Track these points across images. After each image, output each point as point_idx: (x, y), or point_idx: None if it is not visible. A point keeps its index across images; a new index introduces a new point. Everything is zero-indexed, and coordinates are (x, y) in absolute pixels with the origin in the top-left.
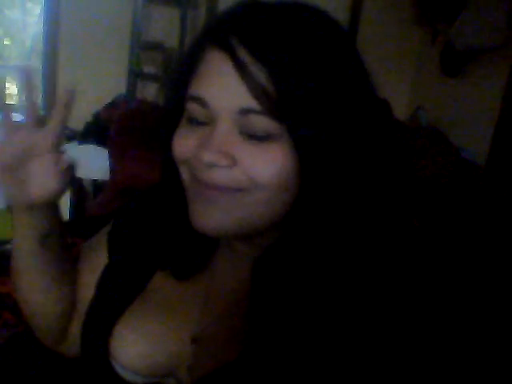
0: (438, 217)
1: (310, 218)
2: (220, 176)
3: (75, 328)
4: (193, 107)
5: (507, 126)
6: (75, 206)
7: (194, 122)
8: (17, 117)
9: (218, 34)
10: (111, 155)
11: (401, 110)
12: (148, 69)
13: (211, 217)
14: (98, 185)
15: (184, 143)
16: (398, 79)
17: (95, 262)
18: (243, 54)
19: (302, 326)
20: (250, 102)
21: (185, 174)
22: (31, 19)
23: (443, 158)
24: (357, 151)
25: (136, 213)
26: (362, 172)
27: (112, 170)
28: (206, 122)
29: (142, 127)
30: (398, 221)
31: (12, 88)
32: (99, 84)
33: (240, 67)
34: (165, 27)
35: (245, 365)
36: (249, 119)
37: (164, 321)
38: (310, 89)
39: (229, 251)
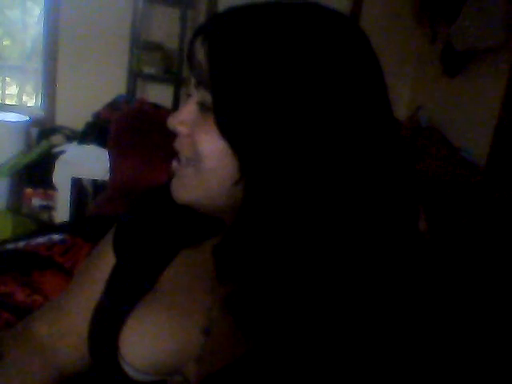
0: (438, 217)
1: (252, 204)
2: (179, 143)
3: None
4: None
5: (507, 126)
6: (75, 206)
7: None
8: (16, 117)
9: (201, 27)
10: (111, 155)
11: (401, 110)
12: (148, 69)
13: (176, 188)
14: (98, 185)
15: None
16: (398, 79)
17: (98, 270)
18: (209, 39)
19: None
20: (202, 76)
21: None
22: (31, 19)
23: (443, 157)
24: (299, 146)
25: (142, 211)
26: (306, 165)
27: (112, 170)
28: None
29: (142, 127)
30: (396, 217)
31: (12, 88)
32: (99, 84)
33: (207, 49)
34: (165, 27)
35: (253, 361)
36: (199, 90)
37: (172, 318)
38: (247, 75)
39: None
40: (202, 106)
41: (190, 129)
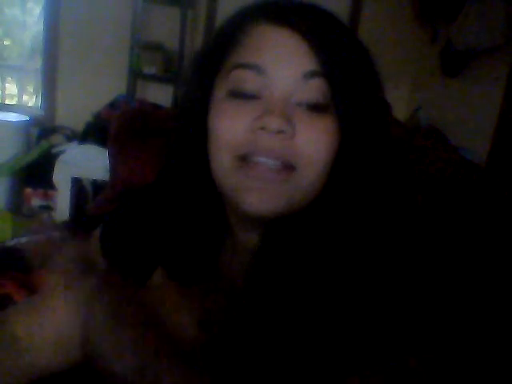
0: (438, 216)
1: (337, 197)
2: (282, 146)
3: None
4: (244, 75)
5: (507, 126)
6: (75, 205)
7: (240, 94)
8: (16, 117)
9: (273, 11)
10: (111, 155)
11: (401, 110)
12: (148, 69)
13: (265, 197)
14: (98, 185)
15: (234, 121)
16: (398, 79)
17: None
18: (303, 27)
19: (303, 305)
20: (314, 65)
21: (227, 161)
22: (31, 19)
23: (443, 157)
24: (380, 137)
25: (130, 213)
26: (381, 158)
27: (112, 170)
28: (256, 95)
29: (142, 127)
30: (403, 207)
31: (12, 88)
32: (99, 84)
33: (306, 37)
34: (165, 27)
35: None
36: (310, 86)
37: (165, 314)
38: (356, 64)
39: (235, 245)
40: (314, 106)
41: (293, 129)
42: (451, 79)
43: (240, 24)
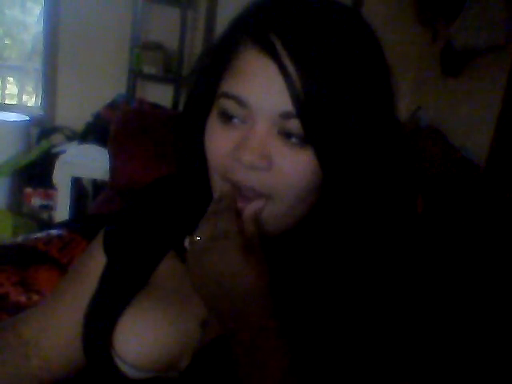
0: (438, 216)
1: (328, 216)
2: (256, 179)
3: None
4: (228, 104)
5: (507, 126)
6: (75, 205)
7: (228, 118)
8: (16, 116)
9: (258, 31)
10: (111, 155)
11: (401, 110)
12: (148, 69)
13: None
14: (97, 185)
15: (220, 143)
16: (398, 79)
17: (88, 271)
18: (284, 56)
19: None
20: (291, 107)
21: (218, 180)
22: (31, 19)
23: (443, 157)
24: (373, 156)
25: (132, 210)
26: (374, 174)
27: (112, 170)
28: (242, 120)
29: (142, 127)
30: (403, 213)
31: (12, 88)
32: (99, 84)
33: (285, 73)
34: (165, 27)
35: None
36: (288, 123)
37: (168, 312)
38: (338, 97)
39: None
40: (286, 136)
41: (269, 162)
42: (451, 79)
43: (232, 43)
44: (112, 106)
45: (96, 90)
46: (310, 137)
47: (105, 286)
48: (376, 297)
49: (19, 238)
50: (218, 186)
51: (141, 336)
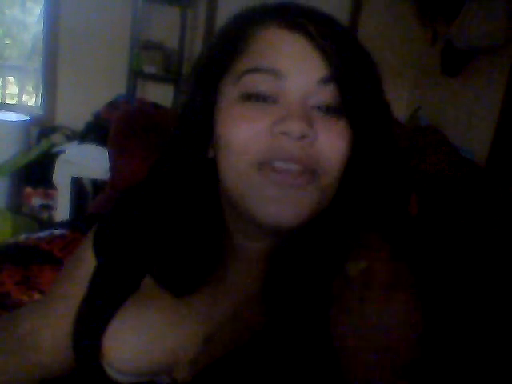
0: (438, 216)
1: (350, 200)
2: (303, 153)
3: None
4: (257, 80)
5: (507, 126)
6: (75, 205)
7: (256, 98)
8: (16, 116)
9: (285, 15)
10: (111, 155)
11: (401, 110)
12: (148, 69)
13: (286, 204)
14: (97, 184)
15: (250, 127)
16: (398, 79)
17: (79, 272)
18: (314, 32)
19: (314, 318)
20: (328, 71)
21: (243, 167)
22: (31, 19)
23: (443, 157)
24: (386, 139)
25: (123, 210)
26: (388, 159)
27: (112, 170)
28: (273, 98)
29: (142, 127)
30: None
31: (12, 88)
32: (99, 84)
33: (318, 42)
34: (165, 27)
35: (249, 352)
36: (324, 91)
37: (165, 319)
38: (367, 68)
39: (236, 251)
40: (329, 109)
41: (315, 132)
42: (451, 79)
43: (244, 29)
44: (112, 105)
45: (96, 89)
46: (346, 102)
47: (94, 290)
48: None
49: (21, 237)
50: (244, 174)
51: (131, 341)
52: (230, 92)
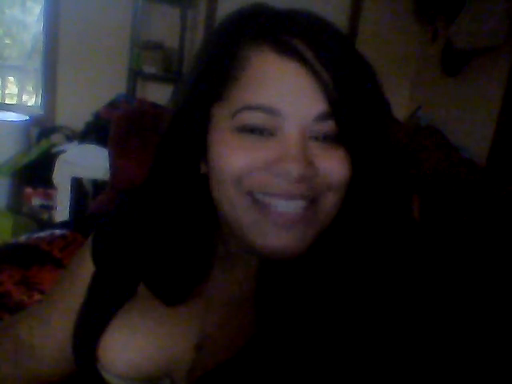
0: (438, 216)
1: (345, 218)
2: (302, 188)
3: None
4: (253, 117)
5: (507, 126)
6: (75, 205)
7: (252, 131)
8: (16, 116)
9: (273, 35)
10: (111, 155)
11: (401, 110)
12: (148, 69)
13: (289, 240)
14: (98, 185)
15: (244, 158)
16: (398, 79)
17: (77, 279)
18: (312, 59)
19: (307, 326)
20: (326, 108)
21: (233, 195)
22: (31, 19)
23: (443, 157)
24: (385, 156)
25: (121, 215)
26: (386, 174)
27: (112, 170)
28: (270, 132)
29: (142, 127)
30: (401, 217)
31: (12, 88)
32: (99, 83)
33: (317, 75)
34: (165, 27)
35: (245, 361)
36: (321, 125)
37: (160, 325)
38: (365, 94)
39: (227, 262)
40: (326, 138)
41: (314, 168)
42: (451, 79)
43: (236, 47)
44: (112, 105)
45: (96, 89)
46: (345, 135)
47: (93, 295)
48: (377, 301)
49: (22, 238)
50: (233, 197)
51: (127, 347)
52: (224, 121)
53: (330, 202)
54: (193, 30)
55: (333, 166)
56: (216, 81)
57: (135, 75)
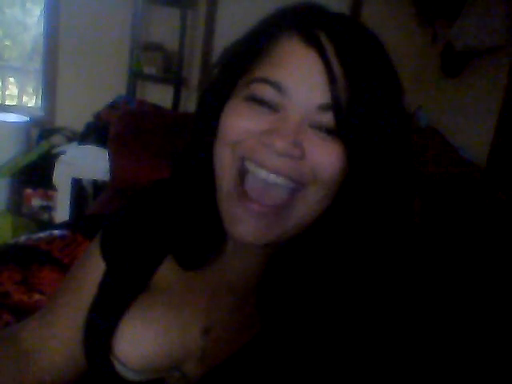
0: (438, 216)
1: (342, 217)
2: (285, 165)
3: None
4: (263, 90)
5: (507, 126)
6: (75, 206)
7: (260, 103)
8: (17, 117)
9: (304, 25)
10: (111, 155)
11: None
12: (148, 69)
13: (257, 229)
14: (98, 185)
15: (245, 124)
16: None
17: (86, 276)
18: (330, 51)
19: (310, 317)
20: (330, 99)
21: (230, 161)
22: (31, 20)
23: (443, 157)
24: (390, 157)
25: (132, 211)
26: (388, 174)
27: (112, 170)
28: (275, 107)
29: (142, 128)
30: (400, 219)
31: (12, 89)
32: (99, 84)
33: (329, 67)
34: (165, 27)
35: (255, 352)
36: (322, 115)
37: (169, 315)
38: (376, 101)
39: (239, 245)
40: (324, 130)
41: (302, 151)
42: (451, 79)
43: (269, 34)
44: (112, 106)
45: (96, 90)
46: (343, 130)
47: (104, 291)
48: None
49: (22, 238)
50: (227, 162)
51: (140, 339)
52: (241, 90)
53: (312, 194)
54: (193, 32)
55: (323, 156)
56: (249, 57)
57: (135, 76)
